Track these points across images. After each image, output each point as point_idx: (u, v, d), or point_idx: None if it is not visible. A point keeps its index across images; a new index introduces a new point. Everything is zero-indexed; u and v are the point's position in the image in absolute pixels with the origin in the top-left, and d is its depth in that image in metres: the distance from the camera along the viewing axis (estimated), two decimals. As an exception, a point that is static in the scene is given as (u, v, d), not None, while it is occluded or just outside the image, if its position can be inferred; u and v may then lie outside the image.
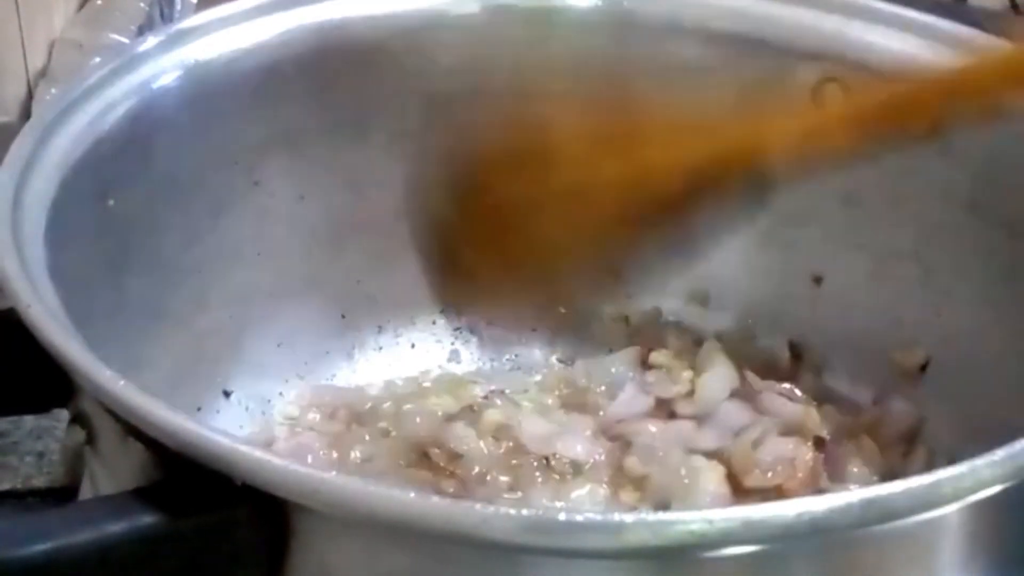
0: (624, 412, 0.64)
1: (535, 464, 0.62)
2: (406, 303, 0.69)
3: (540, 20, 0.67)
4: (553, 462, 0.62)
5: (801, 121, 0.60)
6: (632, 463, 0.61)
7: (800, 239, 0.67)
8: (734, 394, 0.65)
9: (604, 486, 0.61)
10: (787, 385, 0.65)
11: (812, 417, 0.63)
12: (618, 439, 0.63)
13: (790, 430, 0.62)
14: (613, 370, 0.67)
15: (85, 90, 0.56)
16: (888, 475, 0.60)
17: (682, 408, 0.64)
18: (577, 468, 0.62)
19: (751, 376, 0.65)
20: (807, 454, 0.60)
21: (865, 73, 0.64)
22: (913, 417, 0.64)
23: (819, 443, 0.61)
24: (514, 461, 0.62)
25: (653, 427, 0.63)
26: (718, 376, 0.65)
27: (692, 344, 0.68)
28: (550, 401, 0.66)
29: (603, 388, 0.66)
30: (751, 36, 0.66)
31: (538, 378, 0.68)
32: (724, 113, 0.64)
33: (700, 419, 0.64)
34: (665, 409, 0.65)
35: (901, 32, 0.63)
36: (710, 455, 0.61)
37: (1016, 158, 0.60)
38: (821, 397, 0.66)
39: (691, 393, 0.65)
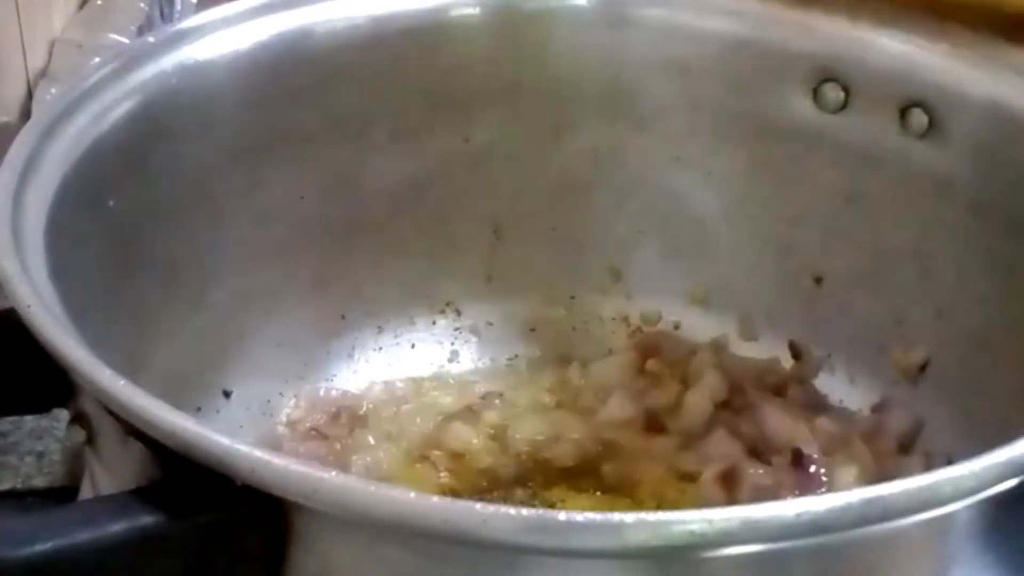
0: (612, 418, 0.64)
1: (529, 466, 0.62)
2: (406, 303, 0.69)
3: (540, 20, 0.67)
4: (542, 464, 0.62)
5: None
6: (609, 471, 0.62)
7: (800, 239, 0.67)
8: (726, 406, 0.65)
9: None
10: (780, 400, 0.65)
11: (803, 432, 0.63)
12: (604, 445, 0.63)
13: (779, 446, 0.62)
14: (608, 374, 0.67)
15: (85, 90, 0.56)
16: (883, 481, 0.60)
17: (669, 421, 0.65)
18: (563, 472, 0.62)
19: (748, 387, 0.65)
20: (786, 478, 0.60)
21: (865, 73, 0.64)
22: (911, 423, 0.63)
23: (796, 456, 0.61)
24: (510, 461, 0.63)
25: (638, 438, 0.63)
26: (703, 392, 0.65)
27: (687, 353, 0.68)
28: (547, 401, 0.67)
29: (597, 391, 0.66)
30: (750, 36, 0.66)
31: (536, 379, 0.68)
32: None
33: (686, 436, 0.64)
34: (654, 419, 0.65)
35: (901, 32, 0.63)
36: (689, 478, 0.61)
37: (1016, 157, 0.60)
38: (817, 407, 0.66)
39: (679, 405, 0.65)
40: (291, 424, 0.65)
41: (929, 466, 0.61)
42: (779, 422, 0.63)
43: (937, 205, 0.63)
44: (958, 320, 0.63)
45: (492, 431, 0.64)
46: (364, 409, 0.65)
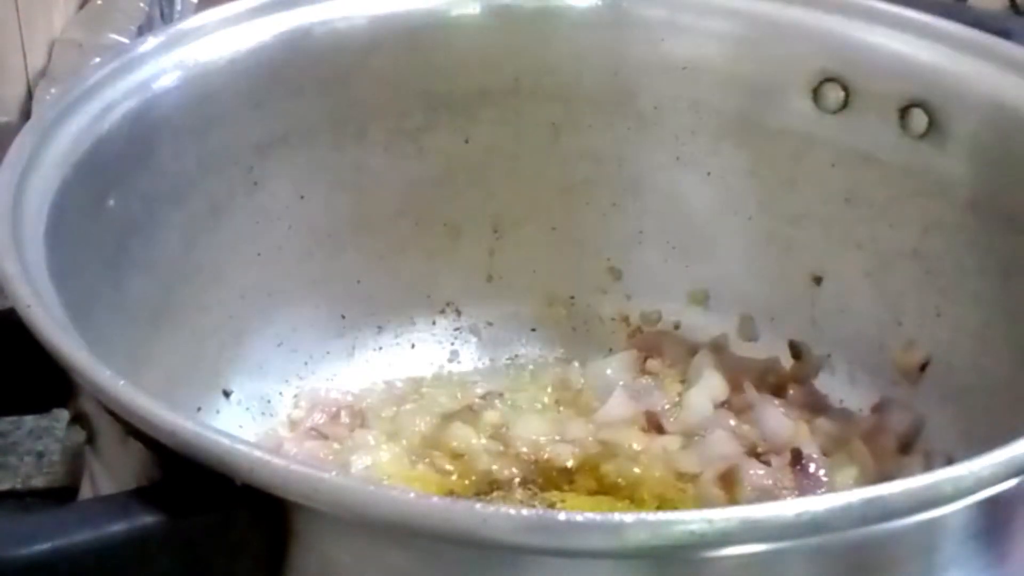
0: (611, 418, 0.65)
1: (530, 465, 0.62)
2: (406, 303, 0.69)
3: (540, 20, 0.67)
4: (542, 464, 0.62)
5: None
6: (609, 471, 0.62)
7: (800, 239, 0.67)
8: (726, 406, 0.65)
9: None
10: (780, 401, 0.65)
11: (803, 432, 0.63)
12: (604, 445, 0.63)
13: (779, 446, 0.62)
14: (609, 372, 0.67)
15: (85, 90, 0.56)
16: (883, 481, 0.61)
17: (669, 421, 0.65)
18: (563, 472, 0.62)
19: (748, 387, 0.65)
20: (786, 479, 0.60)
21: (865, 73, 0.64)
22: (911, 423, 0.63)
23: (796, 456, 0.61)
24: (511, 461, 0.63)
25: (638, 438, 0.64)
26: (703, 392, 0.65)
27: (687, 353, 0.68)
28: (546, 401, 0.67)
29: (597, 390, 0.66)
30: (750, 36, 0.66)
31: (537, 379, 0.68)
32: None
33: (686, 436, 0.64)
34: (654, 419, 0.65)
35: (901, 32, 0.63)
36: (689, 478, 0.61)
37: (1016, 157, 0.60)
38: (816, 408, 0.66)
39: (679, 405, 0.65)
40: (291, 424, 0.65)
41: (929, 466, 0.61)
42: (779, 422, 0.64)
43: (937, 205, 0.63)
44: (958, 320, 0.63)
45: (492, 431, 0.64)
46: (364, 409, 0.65)
